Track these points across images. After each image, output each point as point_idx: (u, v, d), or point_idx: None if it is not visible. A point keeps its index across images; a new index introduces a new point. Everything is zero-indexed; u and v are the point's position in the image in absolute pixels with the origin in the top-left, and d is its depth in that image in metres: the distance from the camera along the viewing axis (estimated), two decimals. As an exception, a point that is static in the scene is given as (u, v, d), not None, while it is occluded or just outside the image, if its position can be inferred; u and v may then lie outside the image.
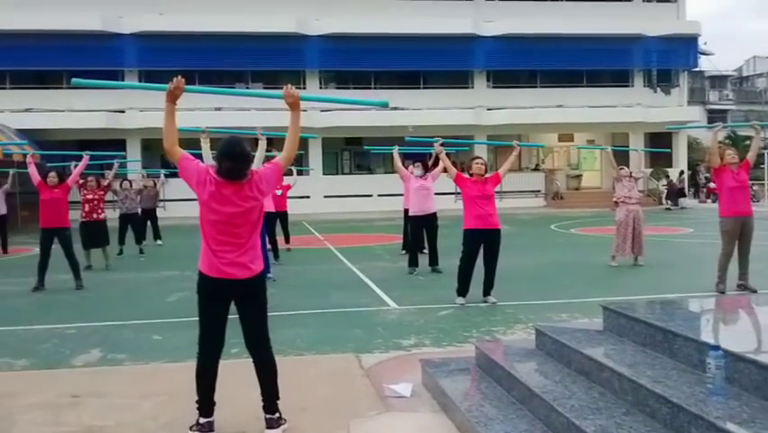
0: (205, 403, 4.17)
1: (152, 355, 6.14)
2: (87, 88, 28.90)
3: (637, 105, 32.50)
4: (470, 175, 8.21)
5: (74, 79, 4.67)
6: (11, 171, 15.83)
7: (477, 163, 8.26)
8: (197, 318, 4.23)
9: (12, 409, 4.72)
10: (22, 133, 26.17)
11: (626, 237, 11.34)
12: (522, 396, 4.18)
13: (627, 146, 29.57)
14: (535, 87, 32.86)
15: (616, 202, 11.75)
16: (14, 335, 7.06)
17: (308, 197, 27.39)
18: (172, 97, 4.21)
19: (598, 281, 10.11)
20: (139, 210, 15.51)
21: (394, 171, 14.26)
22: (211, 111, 29.62)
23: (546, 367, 4.50)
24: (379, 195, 29.64)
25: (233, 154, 4.05)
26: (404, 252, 12.87)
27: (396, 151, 11.22)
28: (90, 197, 12.29)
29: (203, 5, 30.02)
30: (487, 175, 8.25)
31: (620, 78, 33.51)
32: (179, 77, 4.24)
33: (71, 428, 4.40)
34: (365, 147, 16.17)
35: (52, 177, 10.07)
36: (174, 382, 5.29)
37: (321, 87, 31.88)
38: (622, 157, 23.87)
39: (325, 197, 30.10)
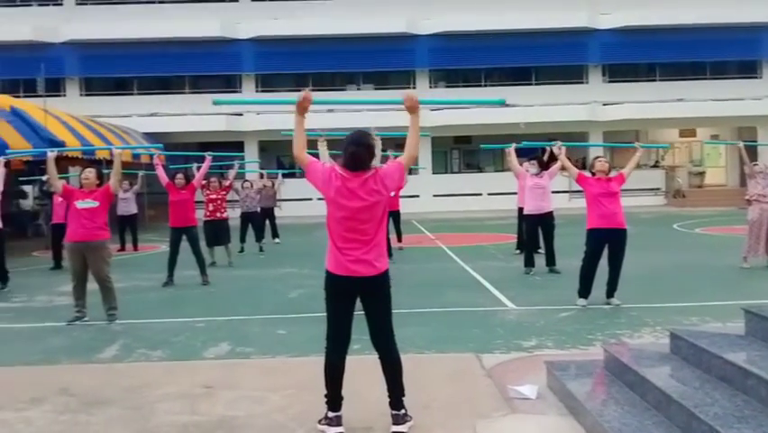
0: (334, 398, 4.24)
1: (278, 349, 6.31)
2: (207, 93, 30.36)
3: (767, 98, 30.55)
4: (593, 174, 7.97)
5: (215, 99, 4.99)
6: (140, 173, 16.73)
7: (600, 161, 8.02)
8: (320, 314, 4.33)
9: (150, 398, 4.97)
10: (148, 136, 27.64)
11: (759, 237, 10.69)
12: (657, 402, 4.00)
13: (756, 141, 27.85)
14: (654, 80, 31.51)
15: (748, 200, 11.08)
16: (149, 327, 7.45)
17: (418, 196, 27.46)
18: (301, 110, 4.35)
19: (728, 284, 9.56)
20: (258, 209, 16.01)
21: (505, 169, 14.04)
22: (324, 112, 30.24)
23: (683, 372, 4.29)
24: (490, 193, 29.32)
25: (359, 141, 4.20)
26: (518, 251, 12.67)
27: (512, 148, 11.04)
28: (213, 196, 12.80)
29: (315, 10, 30.68)
30: (611, 174, 7.98)
31: (747, 69, 31.59)
32: (308, 90, 4.37)
33: (205, 417, 4.59)
34: (481, 145, 15.97)
35: (180, 179, 10.58)
36: (300, 375, 5.42)
37: (431, 87, 31.90)
38: (753, 153, 22.51)
39: (435, 196, 30.08)
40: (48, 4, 31.08)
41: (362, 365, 4.76)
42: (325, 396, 4.28)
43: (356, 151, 4.16)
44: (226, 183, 13.02)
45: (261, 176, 17.91)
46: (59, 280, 10.96)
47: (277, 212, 17.75)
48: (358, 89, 32.15)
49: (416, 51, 30.93)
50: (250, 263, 13.39)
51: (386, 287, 4.22)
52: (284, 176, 19.10)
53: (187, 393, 5.03)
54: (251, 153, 30.78)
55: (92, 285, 7.85)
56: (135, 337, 6.93)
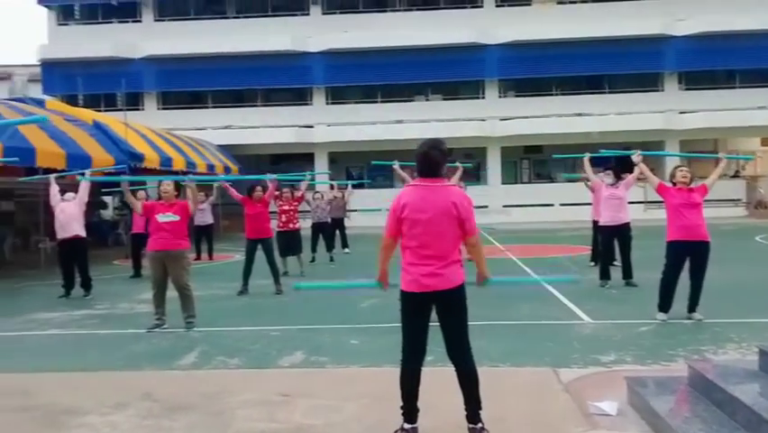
0: (410, 409, 4.23)
1: (352, 359, 6.34)
2: (279, 105, 30.92)
3: None
4: (674, 184, 7.75)
5: (295, 284, 5.27)
6: (215, 184, 17.13)
7: (681, 171, 7.78)
8: (391, 325, 4.34)
9: (229, 404, 5.07)
10: (222, 148, 28.35)
11: None
12: (747, 421, 3.83)
13: None
14: (734, 87, 30.47)
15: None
16: (226, 335, 7.61)
17: (486, 206, 27.27)
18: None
19: (818, 299, 9.11)
20: (329, 220, 16.18)
21: (578, 180, 13.78)
22: (392, 123, 30.43)
23: (775, 392, 4.10)
24: (562, 204, 28.84)
25: (432, 144, 4.24)
26: (593, 263, 12.40)
27: (587, 158, 10.83)
28: (286, 207, 12.99)
29: (384, 22, 30.97)
30: (693, 185, 7.74)
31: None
32: (385, 285, 4.47)
33: (283, 425, 4.64)
34: (553, 156, 15.75)
35: (258, 191, 10.77)
36: (375, 386, 5.43)
37: (500, 96, 31.69)
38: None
39: (504, 206, 29.79)
40: (127, 21, 32.33)
41: (438, 377, 4.73)
42: (401, 408, 4.27)
43: (428, 152, 4.18)
44: (298, 194, 13.21)
45: (332, 187, 18.11)
46: (139, 289, 11.32)
47: (346, 222, 17.90)
48: (426, 100, 32.23)
49: (486, 61, 30.79)
50: (321, 273, 13.53)
51: (462, 300, 4.20)
52: (353, 187, 19.22)
53: (265, 401, 5.10)
54: (321, 165, 31.18)
55: (171, 293, 8.09)
56: (213, 345, 7.09)
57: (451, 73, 30.62)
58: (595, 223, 11.96)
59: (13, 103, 17.61)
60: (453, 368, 4.27)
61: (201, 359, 6.54)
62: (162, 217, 7.90)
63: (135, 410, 4.93)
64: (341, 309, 9.21)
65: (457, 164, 11.13)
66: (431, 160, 4.19)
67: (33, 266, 14.12)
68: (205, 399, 5.18)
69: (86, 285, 10.87)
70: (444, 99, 31.79)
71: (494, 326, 7.72)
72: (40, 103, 19.18)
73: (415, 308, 4.18)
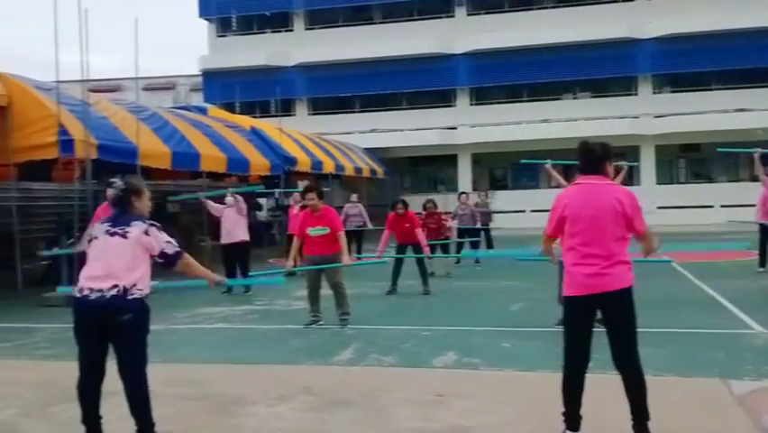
0: (573, 416, 4.11)
1: (505, 362, 6.26)
2: (424, 108, 31.18)
3: None
4: None
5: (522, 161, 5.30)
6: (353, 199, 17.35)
7: None
8: (544, 329, 4.27)
9: (386, 401, 5.15)
10: (368, 151, 29.00)
11: None
12: None
13: None
14: None
15: None
16: (379, 333, 7.76)
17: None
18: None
19: None
20: (477, 224, 16.08)
21: (739, 179, 12.86)
22: (538, 123, 29.85)
23: None
24: (722, 206, 27.02)
25: (593, 142, 4.18)
26: (762, 269, 11.55)
27: (757, 155, 10.07)
28: (433, 227, 12.89)
29: (530, 20, 30.43)
30: None
31: None
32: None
33: (439, 424, 4.66)
34: (718, 149, 14.82)
35: (400, 208, 10.85)
36: (531, 390, 5.34)
37: (654, 93, 30.23)
38: None
39: (659, 208, 28.33)
40: (280, 31, 33.82)
41: (603, 384, 4.56)
42: (563, 414, 4.16)
43: (591, 148, 4.11)
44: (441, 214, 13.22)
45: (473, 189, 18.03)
46: (295, 286, 11.75)
47: (491, 224, 17.71)
48: (574, 98, 31.34)
49: (638, 56, 29.48)
50: (467, 275, 13.50)
51: (630, 303, 4.02)
52: (496, 188, 19.05)
53: (421, 400, 5.14)
54: (465, 166, 31.15)
55: (325, 291, 8.36)
56: (367, 342, 7.25)
57: (600, 70, 29.59)
58: (763, 227, 11.14)
59: (179, 111, 18.91)
60: (619, 375, 4.10)
61: (356, 355, 6.71)
62: (313, 231, 8.16)
63: (298, 403, 5.13)
64: (491, 311, 9.15)
65: (622, 164, 10.70)
66: (594, 155, 4.07)
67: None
68: (363, 395, 5.30)
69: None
70: (593, 97, 30.76)
71: (655, 333, 7.33)
72: (202, 110, 20.48)
73: (578, 312, 4.06)
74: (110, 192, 4.28)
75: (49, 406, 5.16)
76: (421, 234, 10.80)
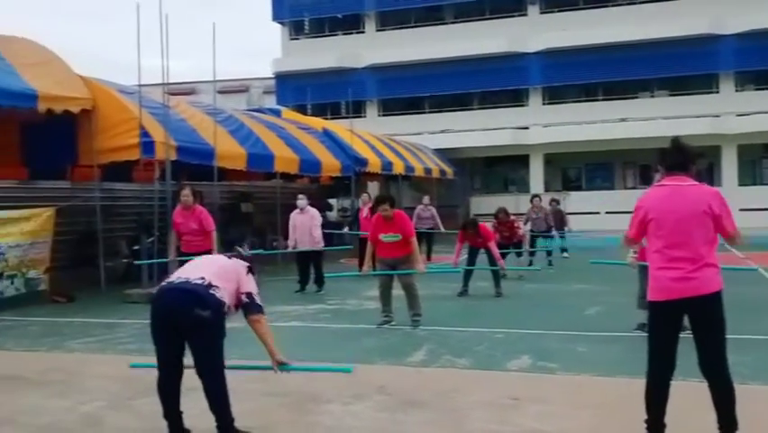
0: (656, 425, 3.99)
1: (581, 367, 6.13)
2: (495, 108, 30.88)
3: None
4: None
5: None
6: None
7: None
8: (621, 334, 4.17)
9: (461, 403, 5.12)
10: (438, 152, 28.93)
11: None
12: None
13: None
14: None
15: None
16: (451, 335, 7.73)
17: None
18: None
19: None
20: (551, 228, 15.84)
21: None
22: (613, 122, 29.18)
23: None
24: (811, 208, 25.83)
25: (677, 141, 4.06)
26: None
27: None
28: (506, 234, 12.78)
29: (606, 17, 29.76)
30: None
31: None
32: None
33: (515, 428, 4.60)
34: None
35: (471, 229, 10.81)
36: (609, 396, 5.22)
37: (737, 90, 29.12)
38: None
39: (741, 210, 27.22)
40: (351, 33, 34.10)
41: (687, 391, 4.42)
42: (646, 421, 4.04)
43: (676, 146, 4.01)
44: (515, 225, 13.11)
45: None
46: (365, 286, 11.83)
47: (566, 228, 17.45)
48: (651, 96, 30.50)
49: (720, 53, 28.46)
50: (539, 277, 13.28)
51: (719, 309, 3.87)
52: (569, 189, 18.74)
53: (496, 403, 5.09)
54: (536, 167, 30.72)
55: (396, 291, 8.38)
56: (439, 343, 7.22)
57: (679, 67, 28.69)
58: None
59: (254, 113, 19.30)
60: (705, 382, 3.96)
61: (429, 357, 6.69)
62: (385, 238, 8.20)
63: (372, 402, 5.16)
64: (565, 315, 8.98)
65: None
66: (685, 154, 3.95)
67: (270, 263, 15.33)
68: (437, 396, 5.28)
69: (320, 282, 11.63)
70: (672, 95, 29.85)
71: (740, 340, 7.03)
72: (276, 113, 20.84)
73: (664, 317, 3.92)
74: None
75: (132, 399, 5.34)
76: (494, 248, 10.74)
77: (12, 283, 10.54)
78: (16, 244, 10.54)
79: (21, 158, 12.58)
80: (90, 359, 6.97)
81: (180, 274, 4.33)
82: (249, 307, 4.34)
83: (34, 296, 10.80)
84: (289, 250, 12.08)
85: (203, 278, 4.20)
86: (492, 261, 10.81)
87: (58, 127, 11.29)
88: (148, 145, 11.21)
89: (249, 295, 4.35)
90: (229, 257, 4.58)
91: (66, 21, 78.03)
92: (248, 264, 4.47)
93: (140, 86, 11.41)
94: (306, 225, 11.71)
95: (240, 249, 4.76)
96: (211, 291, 4.15)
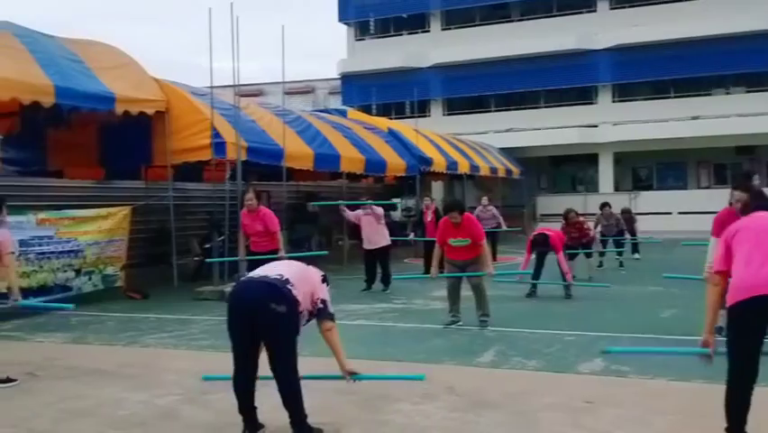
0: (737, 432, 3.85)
1: (657, 371, 5.96)
2: (561, 106, 30.40)
3: None
4: None
5: (607, 348, 5.34)
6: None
7: None
8: (698, 337, 4.02)
9: (532, 405, 5.06)
10: (503, 151, 28.63)
11: None
12: None
13: None
14: None
15: None
16: (520, 336, 7.64)
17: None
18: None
19: None
20: (616, 230, 15.49)
21: None
22: (686, 120, 28.33)
23: None
24: None
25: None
26: None
27: None
28: (575, 235, 12.55)
29: (679, 12, 28.86)
30: None
31: None
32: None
33: (589, 432, 4.51)
34: None
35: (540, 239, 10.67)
36: (685, 401, 5.08)
37: (819, 86, 27.82)
38: None
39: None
40: (417, 32, 34.06)
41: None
42: (726, 429, 3.91)
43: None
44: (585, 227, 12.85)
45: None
46: (432, 286, 11.77)
47: (636, 227, 17.04)
48: (726, 93, 29.47)
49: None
50: (609, 278, 12.97)
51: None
52: (639, 189, 18.29)
53: (568, 406, 5.01)
54: (606, 166, 30.07)
55: (463, 292, 8.33)
56: (509, 345, 7.15)
57: (757, 62, 27.55)
58: None
59: (320, 114, 19.51)
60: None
61: (499, 358, 6.63)
62: (454, 242, 8.16)
63: (442, 402, 5.14)
64: (638, 317, 8.77)
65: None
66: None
67: (336, 261, 15.46)
68: (508, 397, 5.23)
69: (386, 281, 11.67)
70: (749, 92, 28.74)
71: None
72: (342, 113, 21.01)
73: (747, 319, 3.78)
74: None
75: (207, 394, 5.46)
76: (563, 262, 10.54)
77: (89, 279, 10.95)
78: (94, 242, 10.94)
79: (98, 158, 13.04)
80: (165, 354, 7.17)
81: (258, 272, 4.44)
82: (322, 313, 4.46)
83: (111, 292, 11.19)
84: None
85: (280, 275, 4.29)
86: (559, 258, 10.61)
87: (133, 128, 11.64)
88: (219, 146, 11.45)
89: (323, 302, 4.47)
90: (307, 264, 4.70)
91: (134, 24, 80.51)
92: (322, 273, 4.62)
93: (211, 87, 11.66)
94: (373, 225, 11.78)
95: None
96: (288, 287, 4.24)
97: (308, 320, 4.47)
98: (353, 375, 4.58)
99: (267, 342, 4.27)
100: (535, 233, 11.13)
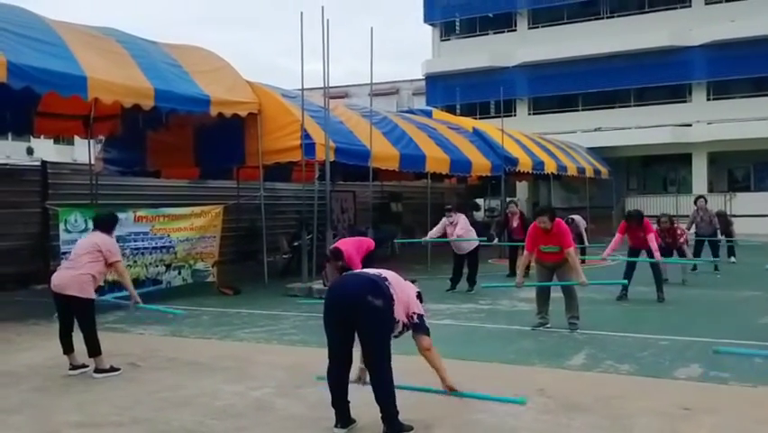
0: None
1: (758, 378, 5.72)
2: (653, 105, 29.43)
3: None
4: None
5: (716, 348, 5.45)
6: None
7: None
8: None
9: (626, 410, 4.95)
10: (591, 151, 27.97)
11: None
12: None
13: None
14: None
15: None
16: (611, 340, 7.46)
17: None
18: None
19: None
20: (716, 229, 14.89)
21: None
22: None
23: None
24: None
25: None
26: None
27: None
28: (668, 240, 12.18)
29: (781, 5, 27.47)
30: None
31: None
32: None
33: (687, 440, 4.39)
34: None
35: (634, 222, 10.41)
36: (792, 412, 4.85)
37: None
38: None
39: None
40: (503, 32, 33.71)
41: None
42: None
43: None
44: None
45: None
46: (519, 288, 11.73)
47: (733, 232, 16.33)
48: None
49: None
50: (704, 282, 12.56)
51: None
52: (735, 190, 17.50)
53: (665, 412, 4.87)
54: (699, 166, 28.98)
55: (553, 294, 8.22)
56: (599, 348, 7.01)
57: None
58: None
59: (406, 114, 19.61)
60: None
61: (589, 361, 6.51)
62: (545, 249, 8.07)
63: (533, 404, 5.10)
64: (735, 323, 8.44)
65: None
66: None
67: (420, 261, 15.49)
68: (600, 402, 5.14)
69: (472, 281, 11.62)
70: None
71: None
72: (427, 113, 21.05)
73: None
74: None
75: (299, 388, 5.60)
76: (653, 241, 10.23)
77: (179, 274, 11.35)
78: (186, 238, 11.34)
79: (193, 159, 13.52)
80: (258, 348, 7.39)
81: (358, 270, 4.60)
82: (418, 327, 4.67)
83: (203, 287, 11.58)
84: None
85: (379, 273, 4.40)
86: (653, 263, 10.28)
87: (227, 130, 12.02)
88: (309, 147, 11.67)
89: (420, 317, 4.66)
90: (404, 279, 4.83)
91: (227, 29, 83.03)
92: (418, 290, 4.79)
93: (302, 90, 11.90)
94: (459, 233, 11.67)
95: None
96: (386, 284, 4.35)
97: (401, 332, 4.59)
98: (454, 392, 4.83)
99: (362, 335, 4.37)
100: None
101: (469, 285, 11.63)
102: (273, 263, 14.02)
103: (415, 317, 4.60)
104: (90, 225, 7.71)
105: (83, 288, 6.22)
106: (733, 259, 15.84)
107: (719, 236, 15.01)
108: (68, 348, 6.36)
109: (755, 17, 27.29)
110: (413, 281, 4.90)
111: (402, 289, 4.57)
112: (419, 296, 4.76)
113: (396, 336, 4.58)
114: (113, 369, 6.24)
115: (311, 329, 8.10)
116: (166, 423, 4.85)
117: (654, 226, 11.09)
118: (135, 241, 10.59)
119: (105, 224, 6.70)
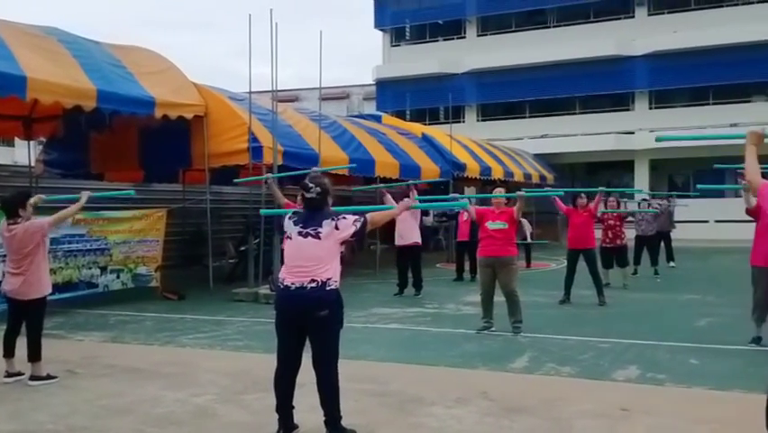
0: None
1: (694, 380, 5.89)
2: (597, 113, 29.94)
3: None
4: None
5: (658, 137, 5.04)
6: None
7: None
8: (735, 347, 4.00)
9: (567, 412, 5.02)
10: (538, 157, 28.43)
11: None
12: None
13: None
14: None
15: None
16: (554, 343, 7.58)
17: None
18: (757, 140, 4.09)
19: None
20: (653, 232, 15.31)
21: None
22: (724, 127, 27.83)
23: None
24: None
25: None
26: None
27: None
28: (612, 222, 12.56)
29: (719, 18, 28.46)
30: None
31: None
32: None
33: (626, 440, 4.48)
34: None
35: (582, 199, 10.60)
36: (725, 410, 5.01)
37: None
38: None
39: None
40: (452, 38, 34.06)
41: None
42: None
43: None
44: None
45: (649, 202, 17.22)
46: (462, 291, 11.85)
47: (672, 234, 16.78)
48: (767, 100, 28.89)
49: None
50: (645, 287, 12.86)
51: None
52: (677, 197, 18.01)
53: (604, 413, 4.97)
54: (642, 173, 29.73)
55: (496, 297, 8.32)
56: (542, 351, 7.11)
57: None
58: None
59: (356, 119, 19.60)
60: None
61: (532, 364, 6.60)
62: (492, 225, 8.16)
63: (475, 407, 5.14)
64: (674, 326, 8.65)
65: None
66: None
67: (368, 266, 15.52)
68: (542, 404, 5.21)
69: (418, 286, 11.67)
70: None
71: None
72: (377, 118, 21.06)
73: None
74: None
75: (242, 394, 5.54)
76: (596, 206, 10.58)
77: (117, 277, 11.06)
78: (123, 241, 11.06)
79: (138, 162, 13.26)
80: (201, 354, 7.27)
81: (293, 279, 4.42)
82: (361, 235, 4.51)
83: (146, 292, 11.35)
84: None
85: (314, 280, 4.32)
86: (592, 265, 10.48)
87: (172, 132, 11.81)
88: (257, 150, 11.57)
89: (355, 234, 4.46)
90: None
91: (174, 32, 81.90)
92: (336, 219, 4.46)
93: (250, 93, 11.80)
94: (408, 220, 11.64)
95: None
96: (327, 289, 4.31)
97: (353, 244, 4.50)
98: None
99: (312, 340, 4.37)
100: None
101: (416, 289, 11.68)
102: (219, 268, 13.85)
103: (355, 231, 4.43)
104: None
105: (41, 289, 6.12)
106: (672, 264, 16.27)
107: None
108: (9, 352, 6.14)
109: (697, 29, 28.20)
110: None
111: (336, 253, 4.42)
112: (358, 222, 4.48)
113: (353, 238, 4.48)
114: (49, 377, 6.06)
115: (256, 335, 8.02)
116: (104, 431, 4.73)
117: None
118: (70, 243, 10.28)
119: (16, 204, 6.24)
